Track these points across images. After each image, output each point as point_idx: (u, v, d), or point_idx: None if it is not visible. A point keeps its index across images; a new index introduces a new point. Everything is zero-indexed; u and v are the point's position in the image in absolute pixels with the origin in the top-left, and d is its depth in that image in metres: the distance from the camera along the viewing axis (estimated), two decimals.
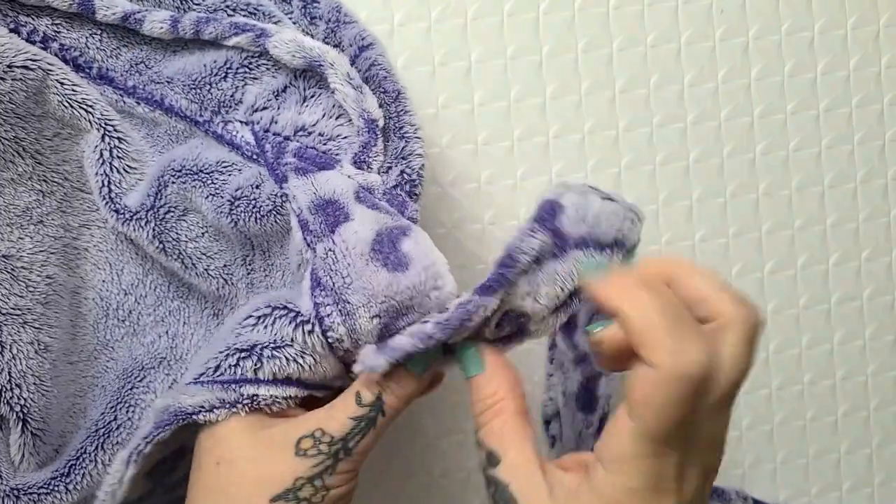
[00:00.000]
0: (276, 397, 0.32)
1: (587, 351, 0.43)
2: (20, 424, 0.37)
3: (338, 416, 0.31)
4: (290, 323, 0.32)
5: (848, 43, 0.46)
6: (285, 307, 0.32)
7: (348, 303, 0.31)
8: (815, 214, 0.47)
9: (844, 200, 0.47)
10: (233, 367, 0.32)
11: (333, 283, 0.31)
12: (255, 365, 0.31)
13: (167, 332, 0.40)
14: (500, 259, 0.30)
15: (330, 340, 0.31)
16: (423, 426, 0.45)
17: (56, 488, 0.36)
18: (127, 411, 0.38)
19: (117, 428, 0.38)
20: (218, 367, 0.32)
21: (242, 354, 0.32)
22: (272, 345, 0.32)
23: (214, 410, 0.31)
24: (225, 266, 0.39)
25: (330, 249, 0.31)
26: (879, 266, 0.48)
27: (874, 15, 0.46)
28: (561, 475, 0.29)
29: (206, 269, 0.38)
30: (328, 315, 0.31)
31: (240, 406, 0.31)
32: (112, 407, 0.38)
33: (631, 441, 0.26)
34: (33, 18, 0.38)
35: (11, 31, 0.37)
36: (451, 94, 0.44)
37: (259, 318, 0.32)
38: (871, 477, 0.49)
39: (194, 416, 0.31)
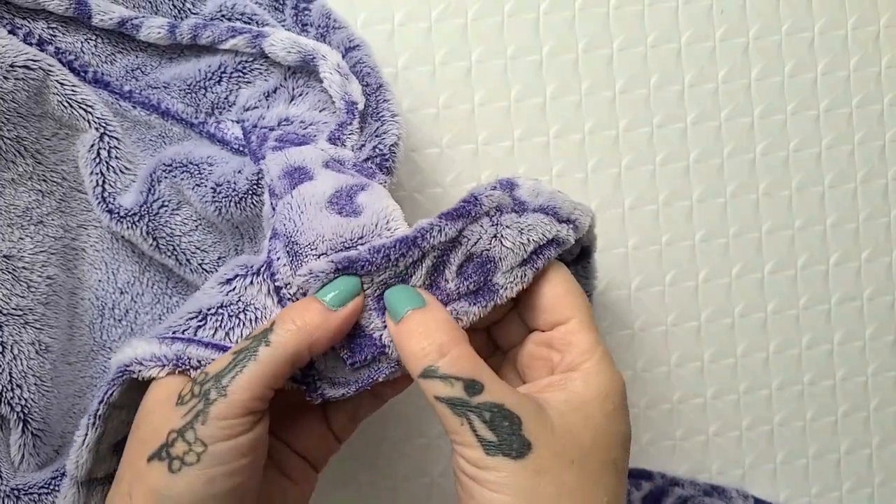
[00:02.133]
0: (203, 360, 0.29)
1: None
2: (21, 425, 0.37)
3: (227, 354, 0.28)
4: (244, 279, 0.31)
5: (848, 43, 0.46)
6: (244, 266, 0.31)
7: (297, 244, 0.31)
8: (815, 214, 0.47)
9: (844, 200, 0.47)
10: (178, 327, 0.31)
11: (286, 229, 0.31)
12: (199, 323, 0.30)
13: None
14: (463, 197, 0.31)
15: (277, 284, 0.31)
16: (422, 426, 0.45)
17: (56, 488, 0.36)
18: None
19: None
20: (169, 326, 0.31)
21: (190, 315, 0.31)
22: (218, 305, 0.31)
23: (144, 362, 0.30)
24: (219, 259, 0.39)
25: (287, 203, 0.32)
26: (879, 266, 0.48)
27: (874, 15, 0.46)
28: (529, 395, 0.29)
29: (200, 264, 0.39)
30: (277, 259, 0.31)
31: (165, 360, 0.29)
32: None
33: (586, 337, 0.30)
34: (29, 21, 0.38)
35: (9, 33, 0.37)
36: (451, 94, 0.44)
37: (220, 283, 0.31)
38: (871, 477, 0.49)
39: (129, 369, 0.30)
